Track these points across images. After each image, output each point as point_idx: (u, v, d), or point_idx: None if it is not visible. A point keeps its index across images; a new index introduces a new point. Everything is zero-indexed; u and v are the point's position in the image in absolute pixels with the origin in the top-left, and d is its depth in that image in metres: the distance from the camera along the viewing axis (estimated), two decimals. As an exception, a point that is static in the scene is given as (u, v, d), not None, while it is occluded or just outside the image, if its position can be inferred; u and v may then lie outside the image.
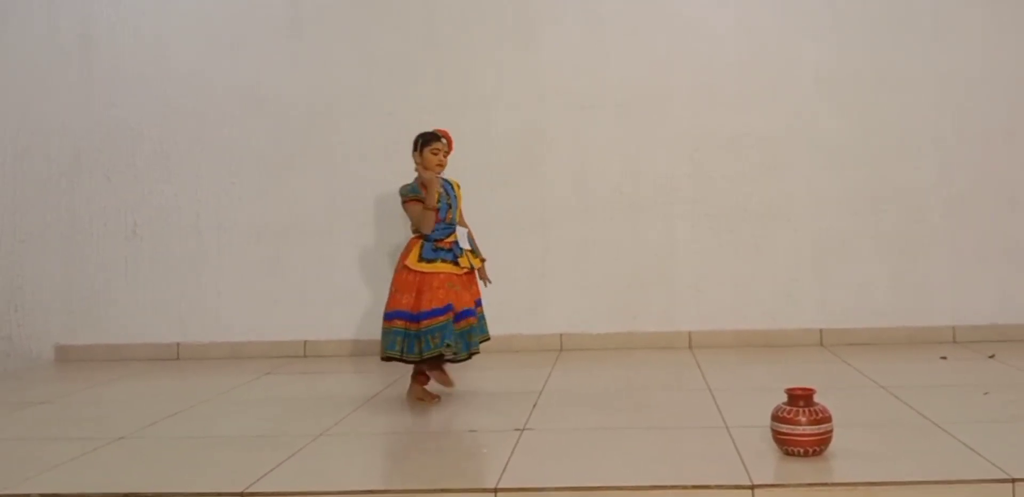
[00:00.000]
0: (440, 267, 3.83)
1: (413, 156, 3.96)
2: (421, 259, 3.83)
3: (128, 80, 5.47)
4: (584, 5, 5.33)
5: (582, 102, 5.30)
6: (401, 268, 3.86)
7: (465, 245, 3.94)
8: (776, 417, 2.92)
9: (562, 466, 2.95)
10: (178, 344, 5.42)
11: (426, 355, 3.75)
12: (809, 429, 2.85)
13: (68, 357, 5.44)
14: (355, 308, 5.35)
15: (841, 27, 5.24)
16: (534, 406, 3.80)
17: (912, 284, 5.19)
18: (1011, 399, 3.68)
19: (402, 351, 3.77)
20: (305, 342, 5.37)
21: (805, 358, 4.82)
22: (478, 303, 4.00)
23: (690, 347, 5.20)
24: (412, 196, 3.88)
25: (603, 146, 5.29)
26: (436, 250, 3.86)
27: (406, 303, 3.78)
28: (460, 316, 3.83)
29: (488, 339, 4.05)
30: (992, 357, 4.61)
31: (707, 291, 5.25)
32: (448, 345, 3.74)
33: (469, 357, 3.92)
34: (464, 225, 4.05)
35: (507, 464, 2.95)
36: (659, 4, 5.31)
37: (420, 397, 3.94)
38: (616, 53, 5.31)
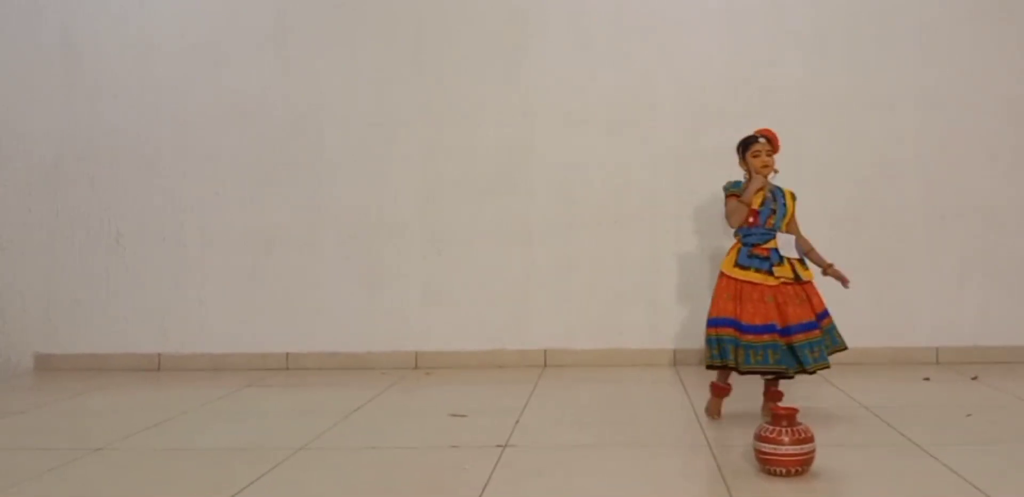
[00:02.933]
0: (753, 276, 3.68)
1: (740, 165, 3.89)
2: (736, 265, 3.72)
3: (111, 87, 5.45)
4: (571, 20, 5.35)
5: (568, 117, 5.31)
6: (720, 274, 3.76)
7: (789, 254, 3.74)
8: (759, 436, 2.91)
9: (544, 483, 2.93)
10: (159, 354, 5.38)
11: (743, 369, 3.61)
12: (792, 449, 2.85)
13: (47, 366, 5.39)
14: (338, 321, 5.32)
15: (826, 46, 5.27)
16: (516, 422, 3.78)
17: (894, 304, 5.21)
18: (994, 421, 3.69)
19: (723, 357, 3.62)
20: (287, 354, 5.34)
21: (788, 377, 4.82)
22: (821, 316, 3.80)
23: (674, 364, 5.20)
24: (733, 190, 3.81)
25: (589, 161, 5.29)
26: (751, 256, 3.73)
27: (730, 310, 3.64)
28: (792, 330, 3.64)
29: (843, 348, 3.86)
30: (975, 379, 4.62)
31: (691, 308, 5.24)
32: (772, 363, 3.59)
33: (811, 372, 3.68)
34: (800, 237, 3.89)
35: (488, 481, 2.93)
36: (646, 21, 5.33)
37: (712, 411, 3.80)
38: (602, 69, 5.32)
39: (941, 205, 5.21)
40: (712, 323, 3.68)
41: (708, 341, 3.68)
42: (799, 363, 3.63)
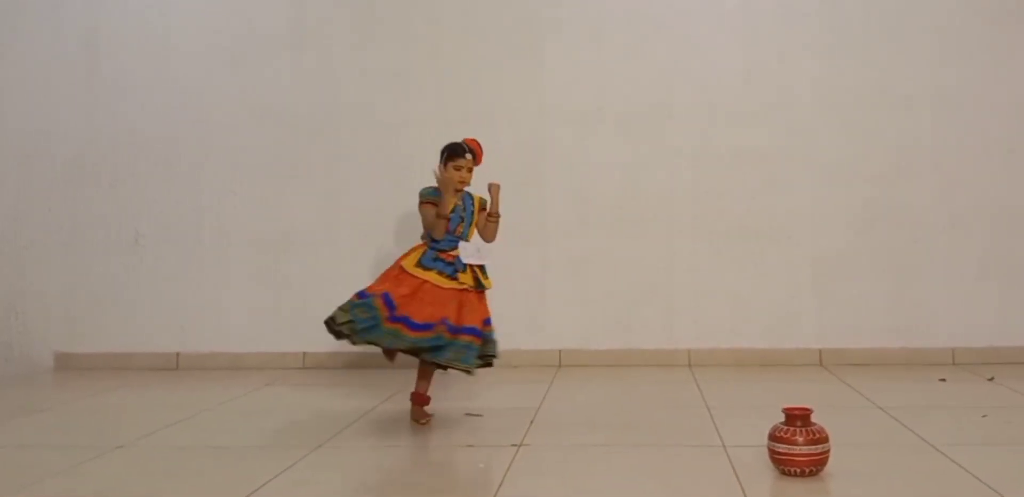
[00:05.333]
0: (432, 277, 3.73)
1: (438, 168, 3.89)
2: (418, 265, 3.77)
3: (132, 88, 5.49)
4: (586, 21, 5.36)
5: (583, 117, 5.32)
6: (396, 266, 3.81)
7: (471, 261, 3.82)
8: (773, 436, 2.92)
9: (558, 482, 2.95)
10: (178, 353, 5.42)
11: (390, 344, 3.65)
12: (806, 449, 2.85)
13: (68, 365, 5.44)
14: (355, 320, 5.34)
15: (841, 45, 5.27)
16: (531, 422, 3.80)
17: (911, 304, 5.20)
18: (1010, 422, 3.68)
19: (354, 324, 3.65)
20: (304, 354, 5.37)
21: (803, 378, 4.83)
22: (486, 323, 3.86)
23: (689, 365, 5.20)
24: (430, 199, 3.83)
25: (603, 162, 5.30)
26: (436, 259, 3.79)
27: (380, 290, 3.69)
28: (461, 331, 3.71)
29: (491, 360, 3.90)
30: (991, 379, 4.61)
31: (706, 308, 5.25)
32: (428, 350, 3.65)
33: (445, 367, 3.79)
34: (484, 241, 3.94)
35: (503, 480, 2.95)
36: (661, 21, 5.34)
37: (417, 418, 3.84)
38: (617, 69, 5.33)
39: (958, 206, 5.19)
40: (362, 295, 3.71)
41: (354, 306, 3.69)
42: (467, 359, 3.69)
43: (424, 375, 3.90)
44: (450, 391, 4.63)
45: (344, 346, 5.29)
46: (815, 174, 5.27)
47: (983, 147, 5.20)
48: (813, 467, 2.87)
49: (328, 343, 5.31)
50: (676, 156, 5.29)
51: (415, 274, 3.75)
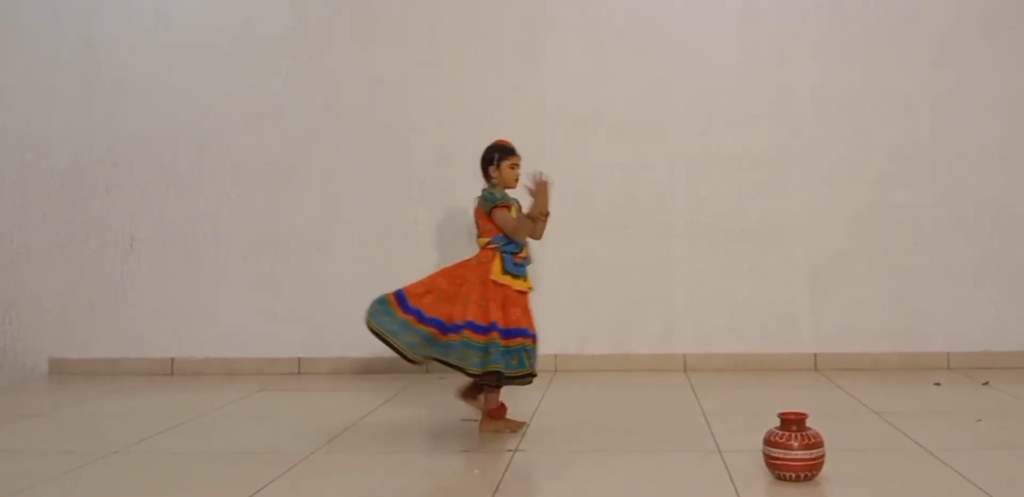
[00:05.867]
0: (520, 284, 3.67)
1: (490, 170, 3.79)
2: (505, 273, 3.66)
3: (129, 93, 5.49)
4: (585, 24, 5.37)
5: (582, 120, 5.32)
6: (478, 282, 3.63)
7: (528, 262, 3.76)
8: (768, 441, 2.92)
9: (554, 488, 2.95)
10: (172, 359, 5.41)
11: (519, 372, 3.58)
12: (801, 454, 2.85)
13: (62, 370, 5.43)
14: (351, 325, 5.31)
15: (840, 49, 5.27)
16: (527, 427, 3.80)
17: (907, 309, 5.20)
18: (1004, 426, 3.69)
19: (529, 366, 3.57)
20: (299, 359, 5.36)
21: (799, 382, 4.83)
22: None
23: (685, 369, 5.20)
24: (504, 202, 3.70)
25: (601, 164, 5.30)
26: (516, 264, 3.70)
27: (496, 315, 3.58)
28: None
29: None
30: (986, 384, 4.61)
31: (703, 313, 5.25)
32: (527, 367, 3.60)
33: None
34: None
35: (499, 485, 2.95)
36: (659, 24, 5.34)
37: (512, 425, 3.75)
38: (616, 72, 5.34)
39: (955, 209, 5.20)
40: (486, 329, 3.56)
41: (513, 351, 3.57)
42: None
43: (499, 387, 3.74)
44: (445, 396, 4.62)
45: (339, 352, 5.33)
46: (813, 177, 5.28)
47: (981, 151, 5.20)
48: (808, 472, 2.87)
49: (323, 348, 5.35)
50: (674, 159, 5.30)
51: (505, 283, 3.66)
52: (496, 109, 5.34)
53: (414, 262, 5.33)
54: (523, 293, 3.70)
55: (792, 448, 2.85)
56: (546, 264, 5.29)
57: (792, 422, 2.90)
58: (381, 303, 3.66)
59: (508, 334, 3.58)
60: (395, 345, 3.64)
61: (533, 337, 3.65)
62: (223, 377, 5.25)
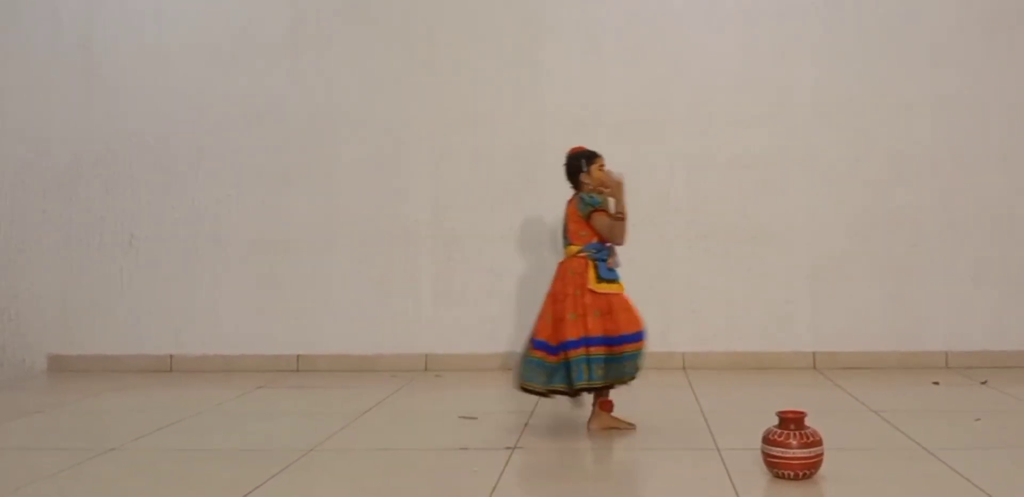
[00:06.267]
0: (616, 288, 3.65)
1: (581, 177, 3.75)
2: (600, 280, 3.63)
3: (128, 92, 5.49)
4: (583, 25, 5.37)
5: (580, 121, 5.31)
6: (577, 293, 3.61)
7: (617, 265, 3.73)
8: (767, 440, 2.92)
9: (552, 485, 2.95)
10: (171, 356, 5.41)
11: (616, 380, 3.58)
12: (800, 452, 2.86)
13: (61, 367, 5.43)
14: (350, 323, 5.35)
15: (839, 51, 5.27)
16: (526, 425, 3.80)
17: (906, 308, 5.20)
18: (1002, 425, 3.69)
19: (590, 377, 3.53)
20: (298, 356, 5.37)
21: (798, 381, 4.83)
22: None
23: (683, 368, 5.20)
24: (602, 206, 3.64)
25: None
26: (609, 269, 3.66)
27: (594, 327, 3.55)
28: (634, 338, 3.64)
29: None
30: (984, 383, 4.61)
31: (701, 312, 5.25)
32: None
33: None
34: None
35: (497, 483, 2.95)
36: (658, 25, 5.34)
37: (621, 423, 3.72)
38: (615, 73, 5.33)
39: (955, 210, 5.20)
40: (579, 343, 3.54)
41: (571, 363, 3.54)
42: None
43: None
44: (444, 394, 4.63)
45: (338, 349, 5.33)
46: (812, 178, 5.28)
47: (980, 152, 5.20)
48: (806, 470, 2.87)
49: (322, 346, 5.35)
50: (674, 159, 5.29)
51: (604, 291, 3.62)
52: (494, 111, 5.35)
53: (412, 262, 5.35)
54: (619, 295, 3.66)
55: (791, 447, 2.86)
56: (546, 264, 5.30)
57: (791, 421, 2.91)
58: (525, 362, 3.63)
59: (615, 341, 3.57)
60: (556, 390, 3.58)
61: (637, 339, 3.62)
62: (222, 374, 5.25)
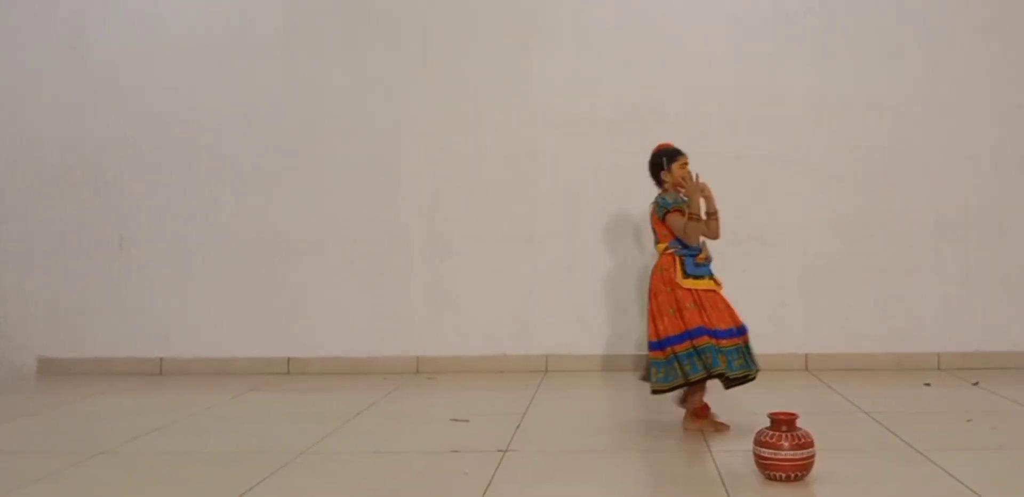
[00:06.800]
0: (705, 284, 3.68)
1: (662, 175, 3.80)
2: (687, 276, 3.66)
3: (118, 93, 5.46)
4: (577, 26, 5.36)
5: (574, 123, 5.32)
6: (668, 289, 3.65)
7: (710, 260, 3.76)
8: (758, 441, 2.92)
9: (545, 488, 2.95)
10: (161, 359, 5.38)
11: (714, 372, 3.56)
12: (791, 454, 2.85)
13: (51, 370, 5.40)
14: (342, 325, 5.33)
15: (833, 53, 5.27)
16: (517, 427, 3.79)
17: (898, 310, 5.21)
18: (994, 427, 3.69)
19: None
20: (290, 359, 5.35)
21: (790, 382, 4.83)
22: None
23: (676, 370, 5.19)
24: (679, 206, 3.70)
25: (593, 167, 5.29)
26: (697, 265, 3.69)
27: (698, 319, 3.58)
28: (733, 333, 3.64)
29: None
30: (976, 384, 4.62)
31: (694, 314, 5.24)
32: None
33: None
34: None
35: (489, 485, 2.94)
36: (652, 27, 5.34)
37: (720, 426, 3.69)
38: (608, 75, 5.33)
39: (947, 213, 5.20)
40: (683, 337, 3.58)
41: (679, 357, 3.57)
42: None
43: (701, 386, 3.71)
44: (436, 396, 4.62)
45: (330, 352, 5.31)
46: (805, 180, 5.28)
47: (972, 154, 5.21)
48: (798, 472, 2.87)
49: (314, 348, 5.33)
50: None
51: (690, 286, 3.65)
52: (487, 112, 5.34)
53: (404, 264, 5.34)
54: (713, 292, 3.69)
55: (782, 448, 2.85)
56: (538, 265, 5.30)
57: (782, 422, 2.91)
58: (653, 365, 3.66)
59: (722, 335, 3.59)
60: (692, 380, 3.58)
61: (735, 335, 3.64)
62: (213, 377, 5.23)
